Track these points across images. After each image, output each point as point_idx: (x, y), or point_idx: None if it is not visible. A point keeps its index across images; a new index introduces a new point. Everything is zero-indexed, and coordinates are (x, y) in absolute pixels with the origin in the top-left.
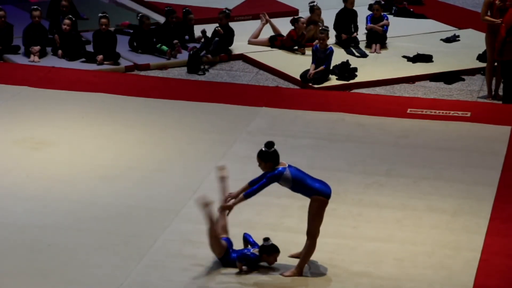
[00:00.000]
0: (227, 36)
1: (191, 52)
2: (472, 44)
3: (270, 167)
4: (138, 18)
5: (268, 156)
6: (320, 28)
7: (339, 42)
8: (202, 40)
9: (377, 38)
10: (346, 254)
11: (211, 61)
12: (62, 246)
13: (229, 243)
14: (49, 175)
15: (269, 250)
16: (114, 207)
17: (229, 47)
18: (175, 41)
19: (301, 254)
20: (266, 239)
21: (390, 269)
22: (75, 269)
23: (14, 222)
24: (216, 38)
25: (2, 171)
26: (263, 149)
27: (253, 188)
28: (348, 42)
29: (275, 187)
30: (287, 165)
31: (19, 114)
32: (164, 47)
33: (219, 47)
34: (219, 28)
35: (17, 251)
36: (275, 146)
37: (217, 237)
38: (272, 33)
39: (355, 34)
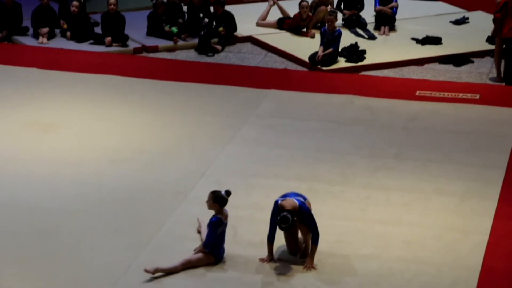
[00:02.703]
0: (229, 25)
1: (202, 33)
2: (481, 26)
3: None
4: (153, 2)
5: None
6: (329, 10)
7: (346, 23)
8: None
9: (386, 20)
10: (355, 237)
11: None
12: (70, 229)
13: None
14: (57, 158)
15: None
16: (122, 190)
17: (235, 33)
18: (180, 20)
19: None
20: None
21: (398, 251)
22: (84, 251)
23: (22, 205)
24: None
25: (11, 154)
26: (288, 217)
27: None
28: (353, 22)
29: (284, 167)
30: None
31: (28, 96)
32: (174, 29)
33: (225, 38)
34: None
35: (25, 233)
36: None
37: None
38: (281, 16)
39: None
